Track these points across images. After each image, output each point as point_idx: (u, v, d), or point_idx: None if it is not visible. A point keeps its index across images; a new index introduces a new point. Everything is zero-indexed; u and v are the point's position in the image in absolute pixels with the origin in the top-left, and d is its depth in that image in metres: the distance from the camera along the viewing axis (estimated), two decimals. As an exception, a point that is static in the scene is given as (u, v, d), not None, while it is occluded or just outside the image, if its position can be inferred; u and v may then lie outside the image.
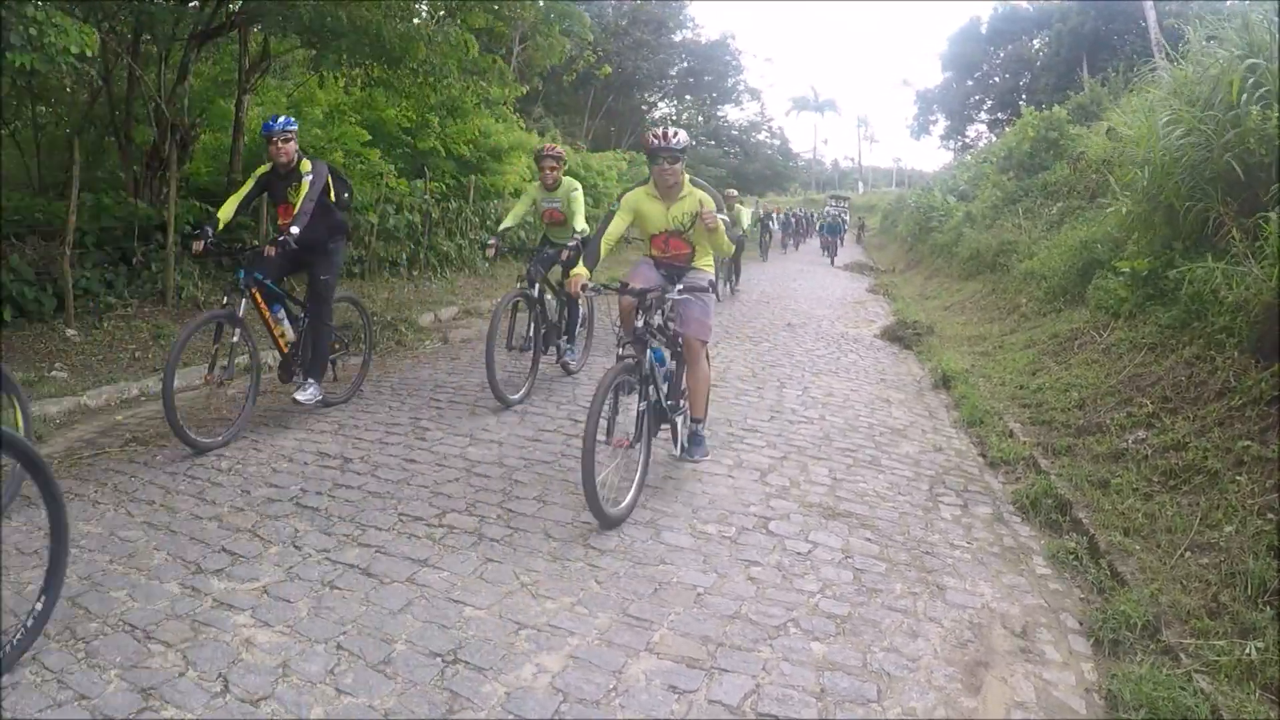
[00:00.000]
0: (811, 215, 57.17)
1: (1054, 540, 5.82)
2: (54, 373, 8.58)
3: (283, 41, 15.32)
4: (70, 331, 9.78)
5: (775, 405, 9.22)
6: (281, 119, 7.58)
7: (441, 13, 14.70)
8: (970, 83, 66.45)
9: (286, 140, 7.53)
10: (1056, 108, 24.92)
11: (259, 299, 7.46)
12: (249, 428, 7.34)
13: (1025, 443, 7.71)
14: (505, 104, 21.54)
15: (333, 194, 7.87)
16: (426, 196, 18.22)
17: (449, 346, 11.90)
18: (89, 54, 8.38)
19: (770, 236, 36.98)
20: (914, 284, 24.93)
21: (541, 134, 27.74)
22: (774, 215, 47.98)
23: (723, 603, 4.59)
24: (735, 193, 21.83)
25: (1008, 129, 41.78)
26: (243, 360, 7.30)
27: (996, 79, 64.19)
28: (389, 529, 5.37)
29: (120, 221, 11.50)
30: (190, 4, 13.29)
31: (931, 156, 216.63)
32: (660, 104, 56.26)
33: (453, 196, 19.17)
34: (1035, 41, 59.63)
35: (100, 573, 4.62)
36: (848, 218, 48.85)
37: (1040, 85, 52.37)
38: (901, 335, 14.46)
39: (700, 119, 56.62)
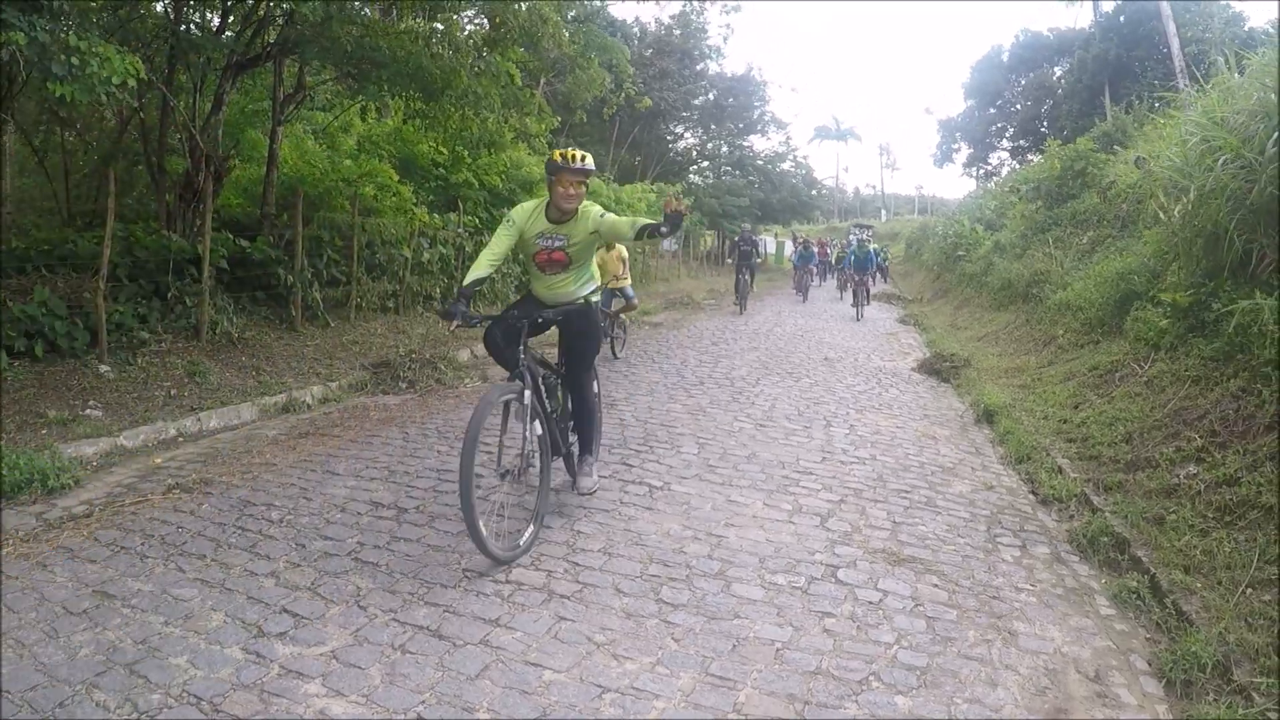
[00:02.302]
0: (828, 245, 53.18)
1: (1114, 579, 5.80)
2: (88, 411, 8.46)
3: (320, 73, 15.36)
4: (104, 368, 9.60)
5: (825, 445, 9.15)
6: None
7: (478, 43, 14.68)
8: (992, 110, 66.55)
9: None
10: (1081, 139, 24.82)
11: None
12: (287, 471, 7.12)
13: (1075, 479, 7.68)
14: (540, 137, 21.61)
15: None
16: (460, 230, 18.19)
17: (490, 384, 11.60)
18: (131, 83, 8.23)
19: (810, 277, 32.94)
20: (944, 314, 25.00)
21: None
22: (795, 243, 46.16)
23: (803, 658, 4.51)
24: (590, 163, 6.40)
25: (1030, 158, 41.54)
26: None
27: (1019, 106, 64.24)
28: (455, 586, 5.21)
29: (153, 254, 11.34)
30: (226, 34, 13.31)
31: (954, 184, 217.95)
32: (685, 134, 56.36)
33: (486, 230, 19.11)
34: (1057, 69, 59.67)
35: (157, 636, 4.42)
36: (875, 247, 40.95)
37: (1063, 112, 52.19)
38: (939, 368, 14.45)
39: (725, 149, 56.68)
